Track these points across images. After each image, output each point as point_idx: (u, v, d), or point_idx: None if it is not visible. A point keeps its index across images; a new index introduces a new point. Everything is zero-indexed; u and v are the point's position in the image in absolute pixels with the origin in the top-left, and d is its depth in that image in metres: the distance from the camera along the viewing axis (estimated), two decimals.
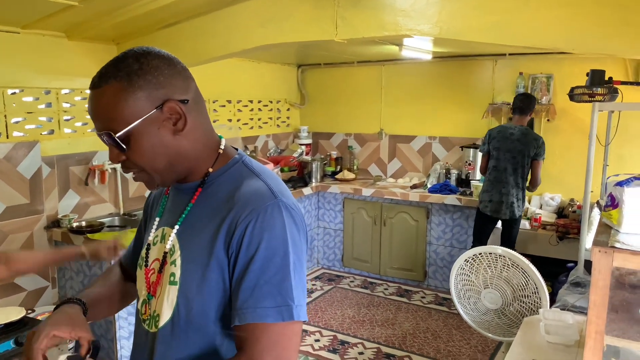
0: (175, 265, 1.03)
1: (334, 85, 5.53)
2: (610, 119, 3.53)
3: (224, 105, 4.58)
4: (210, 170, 1.06)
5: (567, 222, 4.08)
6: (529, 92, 4.44)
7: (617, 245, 1.38)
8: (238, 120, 4.77)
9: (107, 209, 3.62)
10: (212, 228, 1.00)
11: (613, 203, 1.55)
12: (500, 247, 2.70)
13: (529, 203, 4.55)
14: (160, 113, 0.96)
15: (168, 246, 1.05)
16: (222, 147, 1.09)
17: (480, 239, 4.07)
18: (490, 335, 2.76)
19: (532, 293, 2.60)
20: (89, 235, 3.06)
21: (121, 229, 3.35)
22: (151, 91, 0.94)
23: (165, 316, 1.03)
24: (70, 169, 3.38)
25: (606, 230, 1.54)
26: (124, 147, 0.96)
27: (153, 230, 1.14)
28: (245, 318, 0.93)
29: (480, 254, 2.73)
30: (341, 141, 5.64)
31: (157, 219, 1.14)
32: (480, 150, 4.14)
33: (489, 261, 2.70)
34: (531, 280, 2.58)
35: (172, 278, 1.02)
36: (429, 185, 4.73)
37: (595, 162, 3.03)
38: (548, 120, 4.40)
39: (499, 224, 4.06)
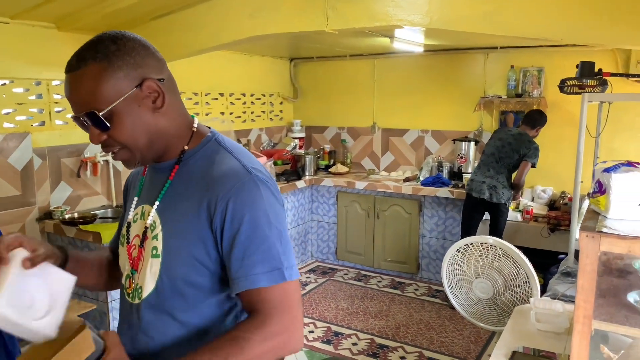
0: (157, 240, 1.07)
1: (327, 79, 5.53)
2: (601, 111, 3.55)
3: (217, 99, 4.57)
4: (186, 147, 1.10)
5: (559, 214, 4.11)
6: (519, 85, 4.47)
7: (604, 230, 1.39)
8: (231, 114, 4.76)
9: (99, 201, 3.61)
10: (192, 205, 1.04)
11: (600, 189, 1.56)
12: (492, 237, 2.72)
13: (521, 196, 4.57)
14: (139, 91, 1.00)
15: (149, 221, 1.09)
16: (195, 125, 1.13)
17: (467, 229, 4.10)
18: (482, 324, 2.78)
19: (523, 283, 2.62)
20: (81, 226, 3.05)
21: (114, 221, 3.34)
22: (130, 71, 0.98)
23: (149, 287, 1.07)
24: (62, 160, 3.37)
25: (594, 217, 1.55)
26: (108, 125, 0.98)
27: (132, 209, 1.17)
28: (241, 286, 1.00)
29: (471, 244, 2.74)
30: (334, 135, 5.64)
31: (136, 199, 1.18)
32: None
33: (480, 251, 2.71)
34: (522, 270, 2.60)
35: (154, 251, 1.07)
36: (421, 178, 4.74)
37: (586, 155, 3.05)
38: None
39: (487, 215, 4.09)
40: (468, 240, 2.77)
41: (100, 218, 3.34)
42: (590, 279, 1.41)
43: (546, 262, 3.91)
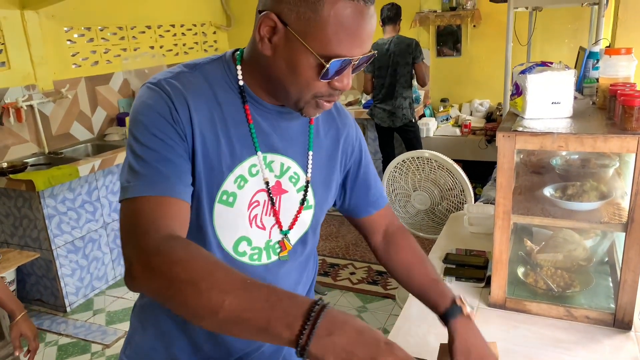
0: (304, 190, 1.03)
1: None
2: (531, 19, 3.60)
3: (144, 32, 4.33)
4: None
5: (495, 125, 4.24)
6: None
7: (520, 129, 1.45)
8: (161, 47, 4.54)
9: (30, 149, 3.45)
10: (332, 149, 1.07)
11: (518, 91, 1.60)
12: (427, 151, 2.79)
13: (460, 111, 4.68)
14: None
15: (307, 175, 1.02)
16: None
17: (386, 150, 4.22)
18: (422, 234, 2.91)
19: (459, 193, 2.74)
20: (11, 176, 2.92)
21: (48, 167, 3.21)
22: None
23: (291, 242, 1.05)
24: None
25: (512, 118, 1.60)
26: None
27: (243, 161, 0.93)
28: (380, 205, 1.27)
29: (409, 159, 2.82)
30: None
31: (259, 152, 0.95)
32: (365, 70, 4.10)
33: (417, 165, 2.79)
34: (457, 180, 2.71)
35: (306, 203, 1.03)
36: (363, 102, 4.75)
37: (518, 63, 3.11)
38: (474, 26, 4.44)
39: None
40: (406, 155, 2.84)
41: (32, 166, 3.21)
42: (508, 177, 1.48)
43: (485, 173, 4.07)
